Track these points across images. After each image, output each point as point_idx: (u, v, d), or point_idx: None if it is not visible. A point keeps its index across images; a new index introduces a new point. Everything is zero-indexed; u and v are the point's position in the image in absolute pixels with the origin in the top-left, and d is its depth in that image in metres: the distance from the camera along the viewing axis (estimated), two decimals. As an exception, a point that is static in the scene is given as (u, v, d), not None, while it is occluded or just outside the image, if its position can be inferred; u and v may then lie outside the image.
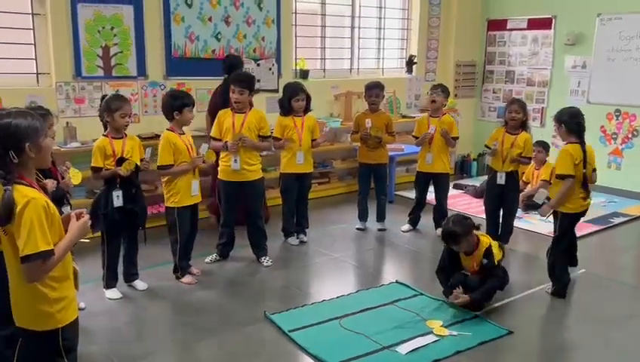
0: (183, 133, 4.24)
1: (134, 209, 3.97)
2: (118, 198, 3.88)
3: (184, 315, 3.91)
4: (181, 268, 4.37)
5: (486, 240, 3.92)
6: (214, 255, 4.79)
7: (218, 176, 4.72)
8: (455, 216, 4.00)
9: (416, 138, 5.42)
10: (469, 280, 3.91)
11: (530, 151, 4.95)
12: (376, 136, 5.34)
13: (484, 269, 3.87)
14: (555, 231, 4.24)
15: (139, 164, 3.98)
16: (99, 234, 4.05)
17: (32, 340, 2.19)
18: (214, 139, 4.59)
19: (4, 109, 2.19)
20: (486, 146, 5.10)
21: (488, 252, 3.85)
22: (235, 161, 4.51)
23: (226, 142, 4.50)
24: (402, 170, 7.50)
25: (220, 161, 4.63)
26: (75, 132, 5.21)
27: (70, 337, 2.26)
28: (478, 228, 3.90)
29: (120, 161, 3.86)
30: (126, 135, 3.97)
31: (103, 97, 4.00)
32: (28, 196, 2.00)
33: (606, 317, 3.93)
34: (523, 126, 4.91)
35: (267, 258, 4.77)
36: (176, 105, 4.12)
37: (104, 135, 3.92)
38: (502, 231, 5.10)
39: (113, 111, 3.84)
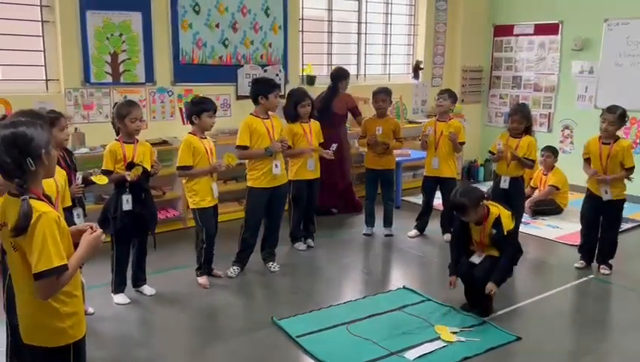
0: (205, 138, 4.29)
1: (143, 213, 4.00)
2: (127, 202, 3.92)
3: (192, 320, 3.92)
4: (201, 268, 4.41)
5: (495, 210, 3.84)
6: (236, 268, 4.63)
7: (250, 185, 4.58)
8: (463, 187, 4.01)
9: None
10: (476, 271, 3.84)
11: (534, 154, 4.90)
12: (383, 143, 5.35)
13: (495, 241, 3.83)
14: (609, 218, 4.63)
15: (149, 169, 4.01)
16: (109, 238, 4.08)
17: (41, 358, 2.12)
18: (244, 147, 4.50)
19: (16, 116, 2.14)
20: (490, 152, 5.09)
21: (497, 222, 3.79)
22: (277, 165, 4.53)
23: (266, 148, 4.45)
24: (409, 176, 7.49)
25: (252, 171, 4.56)
26: (84, 138, 5.24)
27: (81, 353, 2.21)
28: (487, 198, 3.87)
29: (130, 166, 3.89)
30: (137, 140, 4.01)
31: (115, 105, 4.07)
32: (39, 210, 1.92)
33: (614, 323, 3.91)
34: (527, 131, 4.90)
35: (275, 263, 4.77)
36: (195, 110, 4.21)
37: (116, 139, 3.98)
38: None
39: (123, 116, 3.90)
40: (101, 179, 3.71)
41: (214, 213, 4.39)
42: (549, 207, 6.32)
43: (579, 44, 7.35)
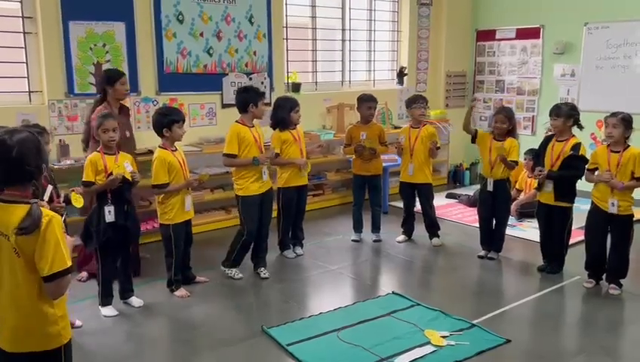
0: (176, 150, 4.25)
1: (126, 225, 3.96)
2: (109, 214, 3.87)
3: (181, 331, 3.89)
4: (175, 282, 4.37)
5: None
6: (236, 270, 4.70)
7: (242, 194, 4.57)
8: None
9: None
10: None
11: (515, 155, 4.87)
12: (371, 148, 5.37)
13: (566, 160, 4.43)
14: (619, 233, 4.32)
15: (130, 179, 3.96)
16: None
17: None
18: (232, 156, 4.50)
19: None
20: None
21: (577, 146, 4.44)
22: (265, 172, 4.60)
23: (254, 158, 4.48)
24: (395, 181, 7.49)
25: (241, 180, 4.56)
26: (68, 149, 5.20)
27: (69, 355, 2.25)
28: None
29: (109, 177, 3.85)
30: (118, 151, 3.97)
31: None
32: (48, 215, 2.01)
33: (602, 323, 3.94)
34: (510, 133, 4.91)
35: (265, 270, 4.78)
36: (165, 122, 4.15)
37: (97, 150, 3.93)
38: (494, 238, 5.12)
39: (97, 128, 3.89)
40: (77, 201, 3.55)
41: (188, 226, 4.38)
42: (534, 210, 6.35)
43: (560, 48, 7.46)
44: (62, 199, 3.57)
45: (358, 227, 5.70)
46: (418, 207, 5.63)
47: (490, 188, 4.94)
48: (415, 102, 5.43)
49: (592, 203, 4.41)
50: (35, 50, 5.21)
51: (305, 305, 4.30)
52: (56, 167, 4.91)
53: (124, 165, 3.97)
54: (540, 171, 4.53)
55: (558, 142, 4.56)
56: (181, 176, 4.20)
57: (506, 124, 4.87)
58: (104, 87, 4.58)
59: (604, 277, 4.47)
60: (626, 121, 4.21)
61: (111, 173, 3.86)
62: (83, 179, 3.89)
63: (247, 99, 4.53)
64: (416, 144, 5.34)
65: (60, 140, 5.18)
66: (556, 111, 4.55)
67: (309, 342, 3.60)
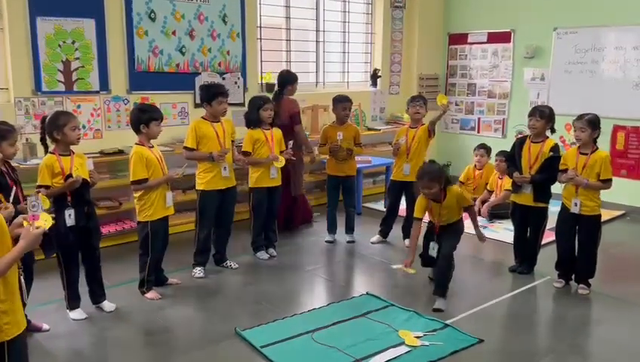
0: (152, 147, 4.21)
1: (89, 226, 3.85)
2: (70, 217, 3.74)
3: (152, 334, 3.82)
4: (148, 283, 4.29)
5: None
6: (200, 268, 4.73)
7: (201, 188, 4.67)
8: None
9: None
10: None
11: (469, 200, 4.50)
12: (348, 148, 5.36)
13: (545, 161, 4.46)
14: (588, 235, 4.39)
15: (88, 180, 3.84)
16: (54, 256, 3.88)
17: None
18: (190, 149, 4.60)
19: None
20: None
21: (555, 147, 4.50)
22: (225, 168, 4.64)
23: (211, 153, 4.54)
24: (369, 182, 7.54)
25: (201, 174, 4.66)
26: (35, 149, 5.05)
27: (15, 353, 2.19)
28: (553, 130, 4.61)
29: (69, 179, 3.70)
30: (73, 152, 3.83)
31: (43, 119, 3.80)
32: None
33: (572, 323, 4.01)
34: (445, 191, 4.33)
35: (231, 261, 4.92)
36: (143, 118, 4.10)
37: (51, 152, 3.75)
38: None
39: (62, 126, 3.68)
40: (45, 202, 3.36)
41: (166, 224, 4.33)
42: (505, 211, 6.43)
43: (530, 52, 7.59)
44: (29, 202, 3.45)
45: (332, 228, 5.68)
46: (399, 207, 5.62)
47: None
48: (412, 100, 5.44)
49: (562, 203, 4.49)
50: (1, 46, 5.06)
51: (279, 306, 4.26)
52: (22, 166, 4.77)
53: (86, 164, 3.86)
54: (521, 177, 4.55)
55: (534, 144, 4.59)
56: (159, 172, 4.14)
57: (434, 188, 4.10)
58: (286, 84, 5.64)
59: (573, 277, 4.55)
60: (592, 123, 4.27)
61: (69, 175, 3.71)
62: (39, 183, 3.67)
63: (201, 98, 4.71)
64: (414, 144, 5.33)
65: (27, 139, 5.04)
66: (539, 113, 4.56)
67: (283, 344, 3.57)
